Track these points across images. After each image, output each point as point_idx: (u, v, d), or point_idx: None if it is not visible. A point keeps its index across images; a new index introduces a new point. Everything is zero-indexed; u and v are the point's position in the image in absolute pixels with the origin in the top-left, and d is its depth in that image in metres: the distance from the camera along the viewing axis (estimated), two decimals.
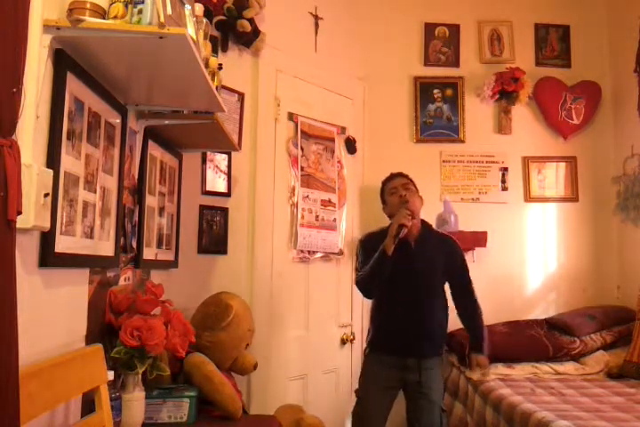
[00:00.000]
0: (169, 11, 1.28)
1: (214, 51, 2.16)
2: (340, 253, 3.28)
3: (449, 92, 3.74)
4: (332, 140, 3.31)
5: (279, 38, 2.96)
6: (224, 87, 2.50)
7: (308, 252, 3.09)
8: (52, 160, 1.27)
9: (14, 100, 0.98)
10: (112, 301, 1.69)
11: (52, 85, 1.29)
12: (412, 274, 2.45)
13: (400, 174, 2.62)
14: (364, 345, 2.70)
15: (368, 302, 2.74)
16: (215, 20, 2.60)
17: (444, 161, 3.71)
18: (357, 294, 3.27)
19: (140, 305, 1.66)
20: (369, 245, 2.52)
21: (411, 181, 2.59)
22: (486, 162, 3.72)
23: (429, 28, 3.78)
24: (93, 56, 1.39)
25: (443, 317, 2.55)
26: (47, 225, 1.22)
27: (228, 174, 2.72)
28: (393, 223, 2.39)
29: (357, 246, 2.64)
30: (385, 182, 2.62)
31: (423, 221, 2.60)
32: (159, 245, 2.13)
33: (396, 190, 2.53)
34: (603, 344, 3.30)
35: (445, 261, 2.55)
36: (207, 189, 2.62)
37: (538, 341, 3.25)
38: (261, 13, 2.81)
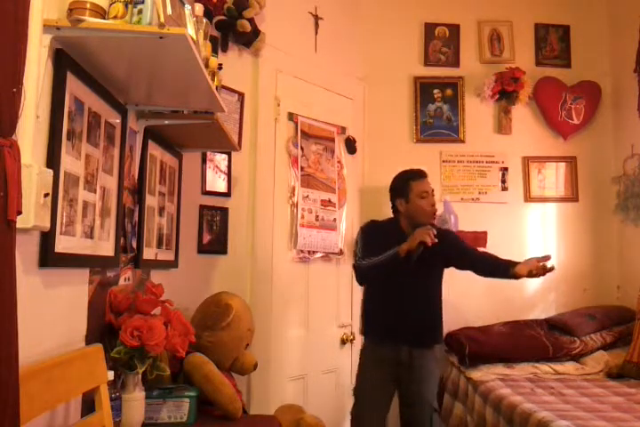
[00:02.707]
0: (169, 11, 1.28)
1: (214, 51, 2.15)
2: (340, 253, 3.28)
3: (449, 92, 3.74)
4: (332, 140, 3.31)
5: (279, 38, 2.96)
6: (224, 87, 2.50)
7: (308, 252, 3.09)
8: (52, 160, 1.27)
9: (14, 100, 0.98)
10: (112, 301, 1.69)
11: (51, 85, 1.29)
12: (415, 268, 2.47)
13: (426, 175, 2.61)
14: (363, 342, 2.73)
15: None
16: (215, 20, 2.60)
17: (444, 161, 3.70)
18: (357, 294, 3.29)
19: (140, 305, 1.66)
20: (371, 235, 2.60)
21: None
22: (486, 162, 3.71)
23: (429, 28, 3.77)
24: (93, 56, 1.39)
25: (437, 308, 2.58)
26: (47, 225, 1.22)
27: (228, 174, 2.72)
28: (415, 237, 2.38)
29: (358, 233, 2.70)
30: (411, 178, 2.58)
31: None
32: (159, 245, 2.13)
33: (428, 195, 2.55)
34: (603, 344, 3.30)
35: (444, 253, 2.53)
36: (207, 189, 2.62)
37: (538, 341, 3.25)
38: (261, 13, 2.81)
